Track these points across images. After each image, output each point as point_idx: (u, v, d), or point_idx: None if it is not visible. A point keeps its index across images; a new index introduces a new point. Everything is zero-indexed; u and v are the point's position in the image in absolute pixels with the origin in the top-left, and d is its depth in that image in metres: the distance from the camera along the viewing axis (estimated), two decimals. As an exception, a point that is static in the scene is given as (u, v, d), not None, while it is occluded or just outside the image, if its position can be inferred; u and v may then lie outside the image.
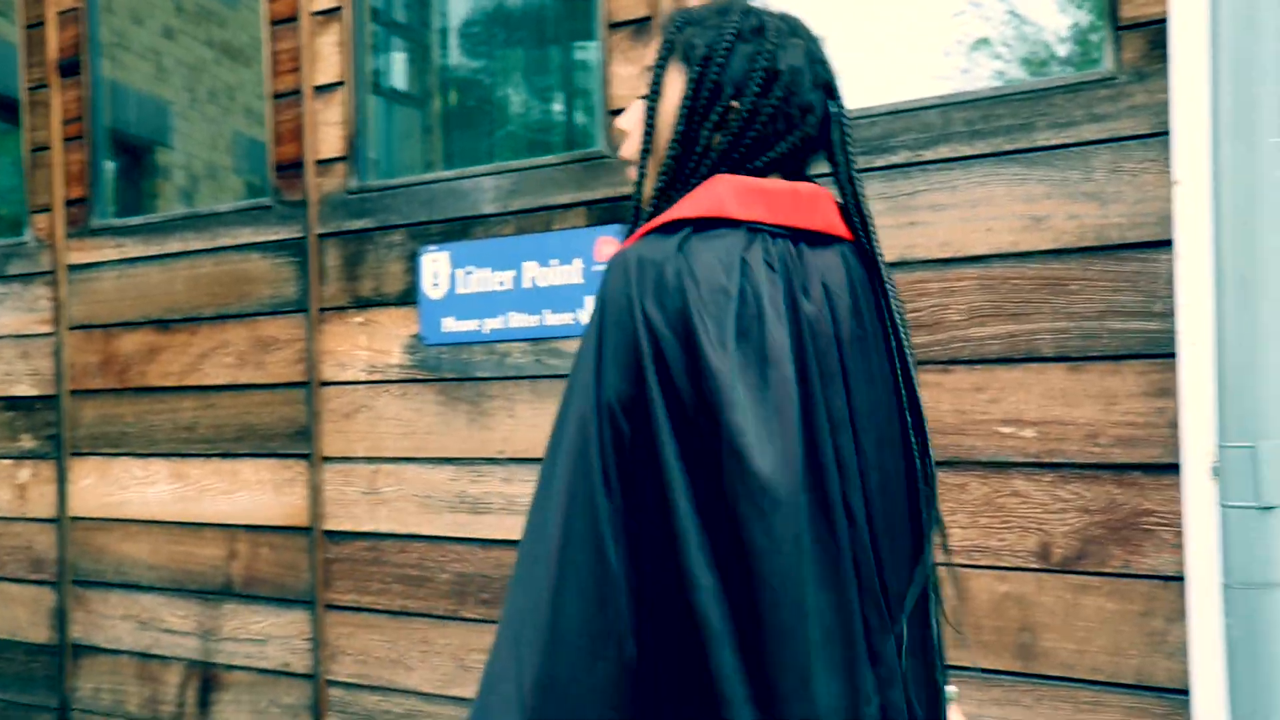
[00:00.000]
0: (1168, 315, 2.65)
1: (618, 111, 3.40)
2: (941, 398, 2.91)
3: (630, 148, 1.65)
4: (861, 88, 3.99)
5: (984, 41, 4.28)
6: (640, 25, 3.37)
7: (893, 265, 2.97)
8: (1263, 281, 2.33)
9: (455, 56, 6.16)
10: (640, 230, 1.49)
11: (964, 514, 2.89)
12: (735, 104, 1.52)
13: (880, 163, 3.00)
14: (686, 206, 1.46)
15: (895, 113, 3.00)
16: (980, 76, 4.38)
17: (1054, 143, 2.79)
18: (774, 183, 1.50)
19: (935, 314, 2.92)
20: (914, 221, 2.95)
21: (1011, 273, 2.84)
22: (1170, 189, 2.61)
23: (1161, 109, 2.66)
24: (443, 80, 6.04)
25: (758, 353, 1.33)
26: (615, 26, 3.42)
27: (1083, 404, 2.75)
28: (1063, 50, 3.89)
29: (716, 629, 1.26)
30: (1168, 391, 2.65)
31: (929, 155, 2.94)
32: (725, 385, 1.29)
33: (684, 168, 1.55)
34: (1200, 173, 2.48)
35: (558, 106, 5.47)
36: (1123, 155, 2.72)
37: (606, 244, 3.37)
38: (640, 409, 1.32)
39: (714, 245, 1.40)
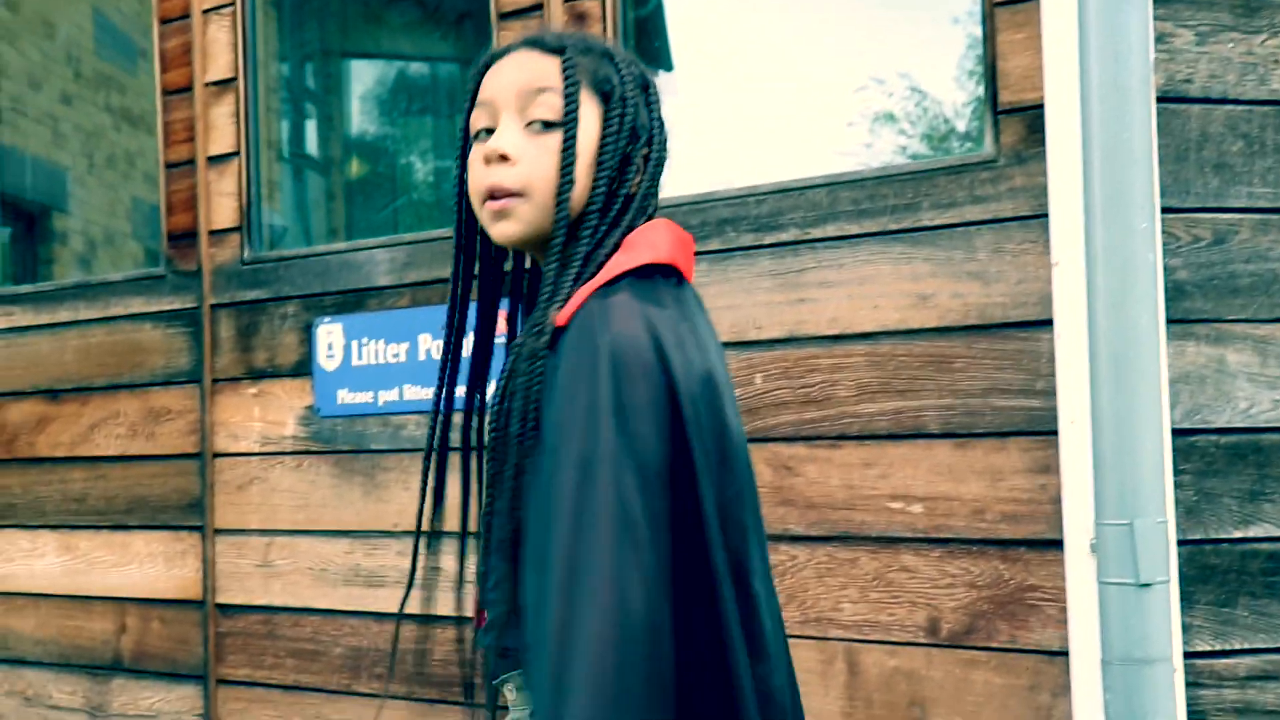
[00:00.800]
0: (1049, 393, 2.69)
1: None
2: (831, 473, 2.93)
3: (537, 179, 1.46)
4: (758, 163, 4.04)
5: (888, 116, 4.36)
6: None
7: (783, 341, 3.00)
8: (1136, 361, 2.38)
9: (360, 124, 6.16)
10: (603, 276, 1.39)
11: (855, 589, 2.91)
12: (647, 150, 1.53)
13: (769, 240, 3.03)
14: (645, 253, 1.43)
15: (783, 191, 3.04)
16: (883, 151, 4.46)
17: (938, 223, 2.85)
18: (678, 228, 1.53)
19: (825, 390, 2.95)
20: (803, 298, 2.99)
21: (899, 350, 2.88)
22: (1050, 269, 2.67)
23: (1040, 191, 2.72)
24: (346, 147, 6.04)
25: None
26: (510, 102, 3.43)
27: (969, 480, 2.79)
28: (962, 125, 3.97)
29: (744, 684, 1.33)
30: (1051, 468, 2.69)
31: (817, 233, 2.98)
32: (738, 442, 1.40)
33: (609, 210, 1.48)
34: (1077, 254, 2.54)
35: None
36: (1004, 236, 2.78)
37: (500, 317, 3.37)
38: (681, 468, 1.29)
39: (682, 297, 1.45)
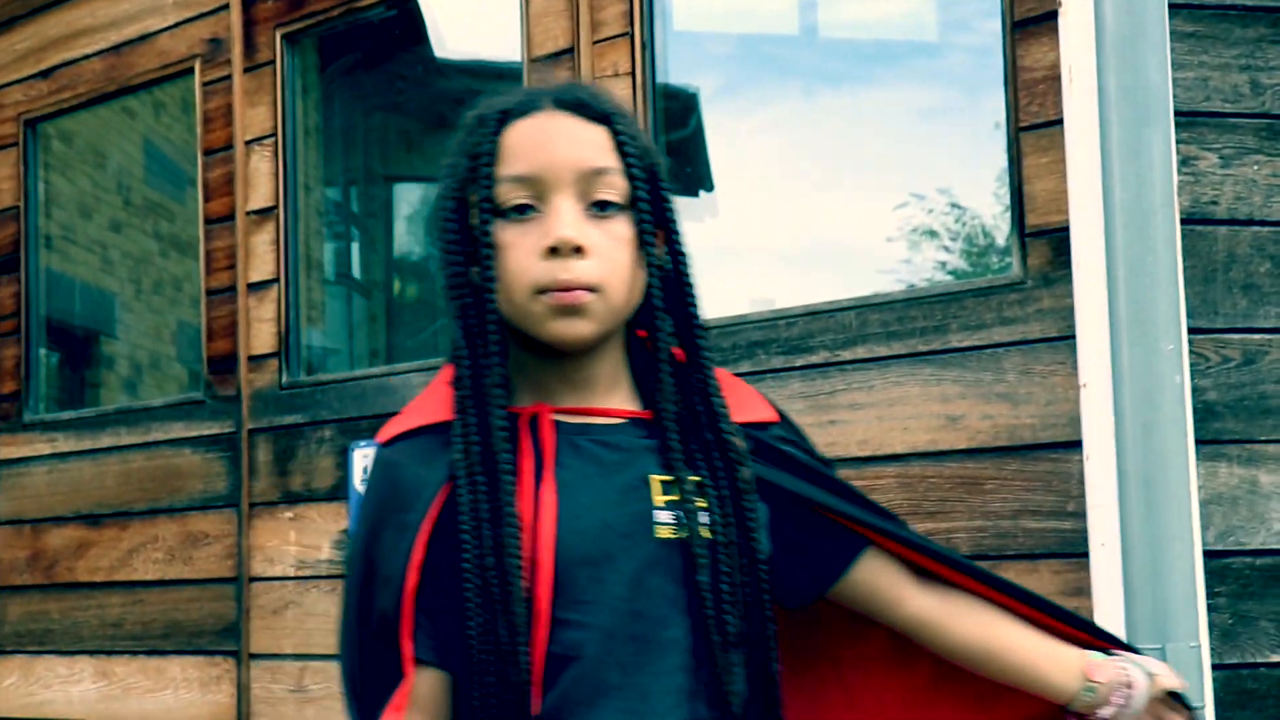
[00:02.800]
0: (1080, 515, 2.67)
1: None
2: (863, 596, 2.91)
3: (611, 274, 1.34)
4: (798, 283, 4.07)
5: (929, 232, 4.39)
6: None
7: (813, 463, 3.00)
8: (1166, 482, 2.37)
9: (403, 246, 6.26)
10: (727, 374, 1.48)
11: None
12: None
13: (800, 362, 3.05)
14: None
15: (813, 313, 3.06)
16: (923, 266, 4.48)
17: (967, 344, 2.85)
18: None
19: (855, 512, 2.94)
20: (833, 420, 2.99)
21: (929, 471, 2.88)
22: (1078, 390, 2.66)
23: (1068, 313, 2.72)
24: (389, 269, 6.13)
25: None
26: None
27: (1001, 603, 2.76)
28: (1001, 239, 3.99)
29: None
30: (1083, 590, 2.66)
31: (847, 355, 3.00)
32: None
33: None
34: (1104, 375, 2.53)
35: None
36: (1033, 357, 2.78)
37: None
38: None
39: None
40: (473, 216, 1.37)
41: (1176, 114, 2.59)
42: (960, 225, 4.46)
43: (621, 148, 1.36)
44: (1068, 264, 2.72)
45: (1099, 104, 2.53)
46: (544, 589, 1.31)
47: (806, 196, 4.20)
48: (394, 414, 1.47)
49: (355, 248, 5.87)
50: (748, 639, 1.38)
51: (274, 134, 4.02)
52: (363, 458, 3.68)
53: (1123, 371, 2.46)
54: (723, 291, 3.88)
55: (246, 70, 4.07)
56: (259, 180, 4.04)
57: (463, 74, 4.89)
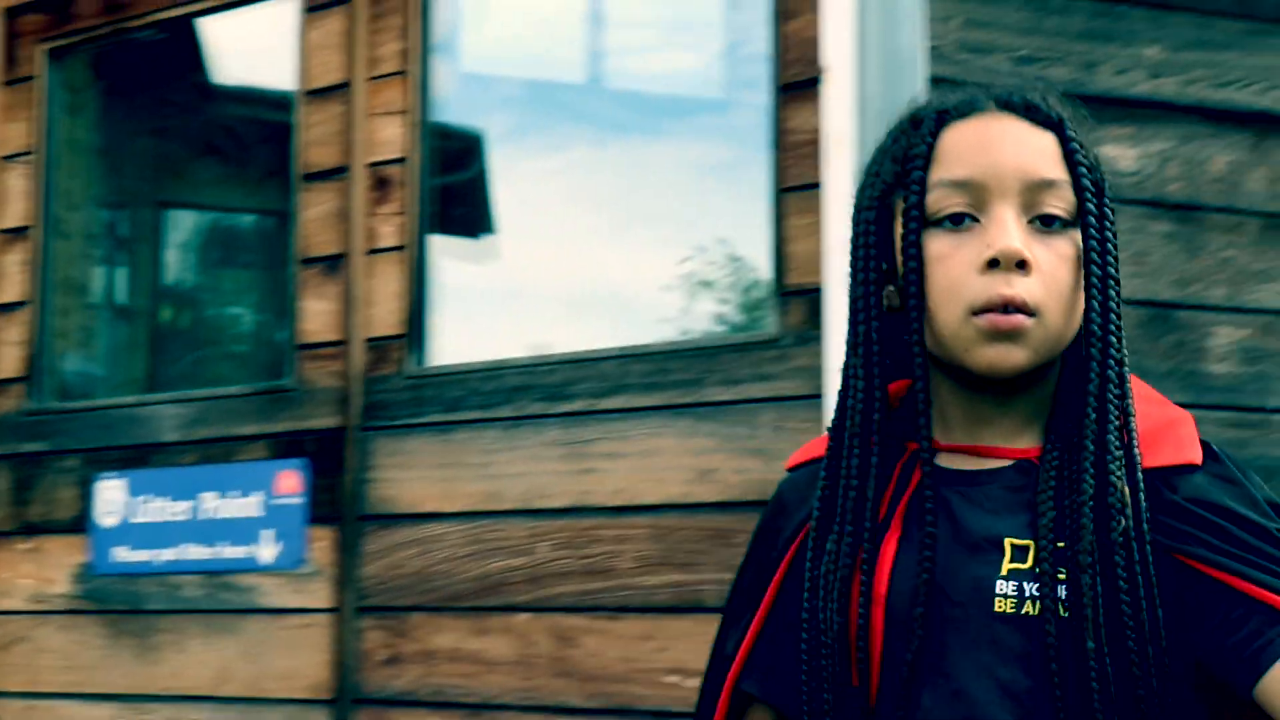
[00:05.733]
0: (823, 571, 2.72)
1: (308, 346, 3.38)
2: (610, 645, 2.92)
3: (1053, 297, 1.20)
4: (579, 329, 4.07)
5: (706, 283, 4.43)
6: (331, 262, 3.38)
7: (568, 511, 3.00)
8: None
9: (173, 273, 6.07)
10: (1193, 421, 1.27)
11: (629, 765, 2.88)
12: None
13: (558, 410, 3.05)
14: (1173, 412, 1.31)
15: (575, 361, 3.06)
16: (701, 317, 4.53)
17: (723, 399, 2.89)
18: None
19: (606, 560, 2.95)
20: (590, 468, 3.00)
21: (681, 523, 2.89)
22: (826, 448, 2.71)
23: (821, 371, 2.78)
24: (155, 296, 5.93)
25: None
26: (307, 262, 3.43)
27: (745, 655, 2.79)
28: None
29: None
30: (822, 646, 2.71)
31: (606, 404, 3.00)
32: None
33: (1119, 339, 1.25)
34: (850, 435, 2.58)
35: (260, 333, 5.41)
36: (787, 414, 2.82)
37: (287, 478, 3.32)
38: None
39: None
40: (898, 226, 1.24)
41: (933, 185, 2.67)
42: (736, 280, 4.53)
43: (1071, 157, 1.22)
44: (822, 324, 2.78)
45: (856, 171, 2.59)
46: (875, 649, 1.22)
47: (588, 243, 4.22)
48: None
49: (122, 272, 5.67)
50: None
51: (32, 151, 3.87)
52: (106, 489, 3.55)
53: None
54: (499, 335, 3.87)
55: (6, 84, 3.92)
56: (13, 198, 3.88)
57: (236, 101, 4.80)
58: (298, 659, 3.26)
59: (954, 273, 1.19)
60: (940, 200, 1.21)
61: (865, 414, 1.24)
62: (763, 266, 4.25)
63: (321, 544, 3.28)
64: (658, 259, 4.14)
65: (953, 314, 1.19)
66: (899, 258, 1.24)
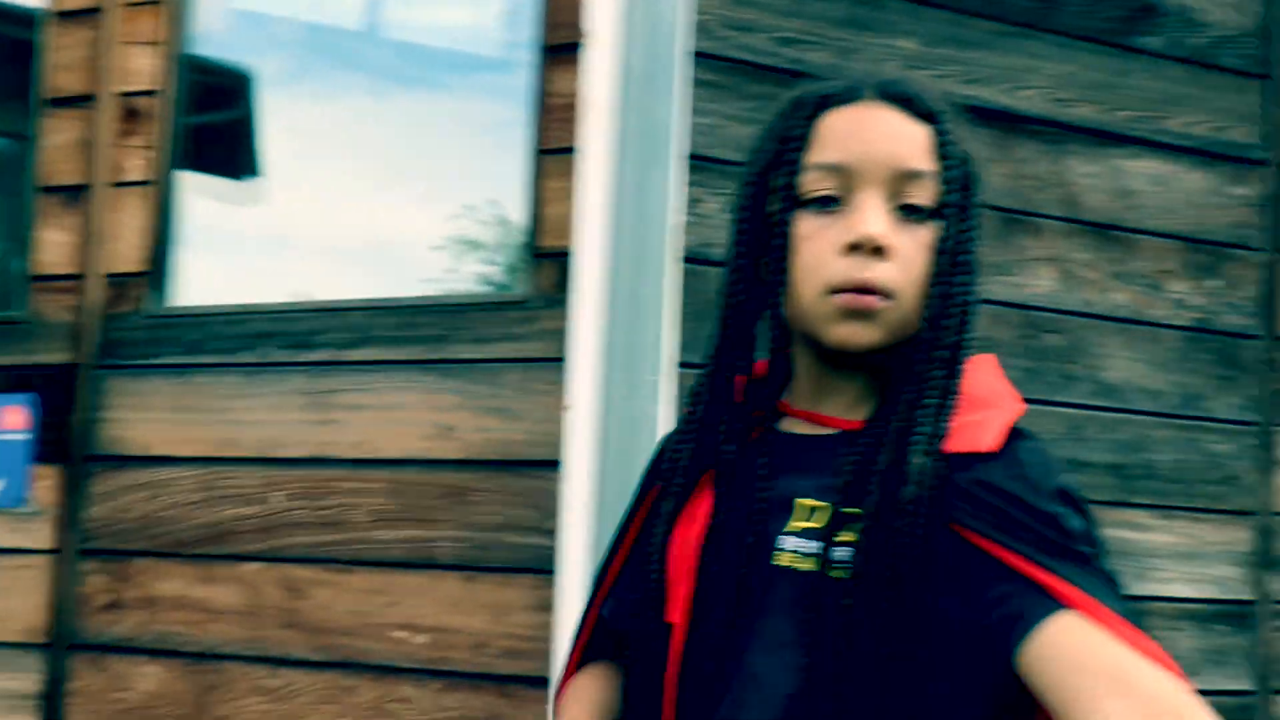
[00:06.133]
0: (554, 533, 2.74)
1: (43, 278, 3.25)
2: (341, 598, 2.89)
3: (908, 282, 1.27)
4: (343, 281, 4.00)
5: (473, 244, 4.41)
6: (73, 193, 3.25)
7: (307, 461, 2.96)
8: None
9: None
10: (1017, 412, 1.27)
11: (352, 717, 2.85)
12: None
13: (303, 358, 3.00)
14: (1009, 399, 1.32)
15: (323, 310, 3.02)
16: (467, 276, 4.50)
17: (469, 357, 2.88)
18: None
19: (342, 513, 2.92)
20: (332, 419, 2.96)
21: (420, 479, 2.88)
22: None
23: (566, 335, 2.79)
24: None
25: None
26: (48, 191, 3.29)
27: (475, 613, 2.80)
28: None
29: None
30: (549, 607, 2.73)
31: (351, 355, 2.97)
32: None
33: (967, 327, 1.31)
34: (590, 400, 2.60)
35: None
36: (532, 376, 2.83)
37: (12, 413, 3.19)
38: None
39: None
40: (771, 203, 1.31)
41: (692, 157, 2.70)
42: (503, 241, 4.51)
43: (942, 150, 1.29)
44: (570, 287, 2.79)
45: (612, 138, 2.61)
46: (680, 599, 1.31)
47: (357, 194, 4.14)
48: None
49: None
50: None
51: None
52: None
53: (610, 398, 2.55)
54: (257, 281, 3.78)
55: None
56: None
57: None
58: (12, 601, 3.14)
59: (817, 252, 1.26)
60: (812, 182, 1.28)
61: (716, 375, 1.37)
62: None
63: (46, 483, 3.16)
64: (427, 216, 4.10)
65: (812, 290, 1.26)
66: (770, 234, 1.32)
